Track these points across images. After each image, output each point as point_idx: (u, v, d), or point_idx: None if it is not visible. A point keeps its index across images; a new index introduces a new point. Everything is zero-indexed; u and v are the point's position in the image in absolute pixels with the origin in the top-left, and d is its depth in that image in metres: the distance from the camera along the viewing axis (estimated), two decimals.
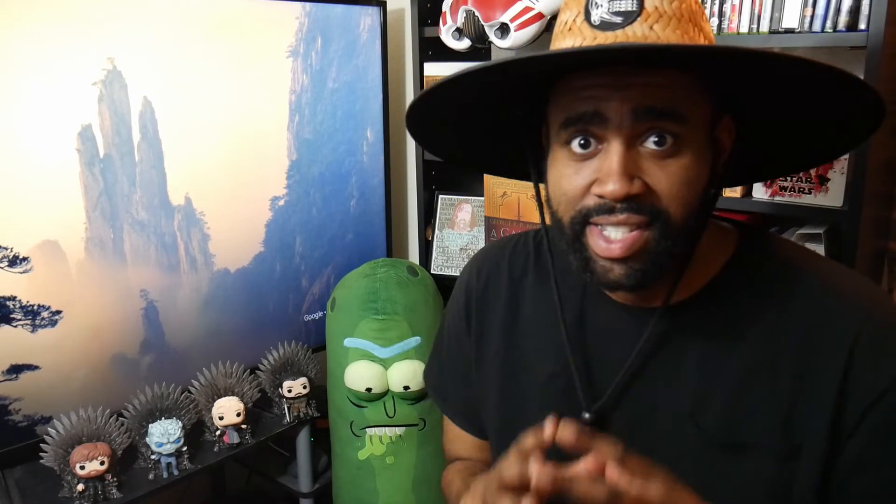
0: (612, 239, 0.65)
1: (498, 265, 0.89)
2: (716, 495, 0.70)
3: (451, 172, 1.97)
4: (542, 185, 0.76)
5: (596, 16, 0.64)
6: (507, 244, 0.91)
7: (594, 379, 0.77)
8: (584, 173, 0.66)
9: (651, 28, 0.63)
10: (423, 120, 0.77)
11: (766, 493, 0.70)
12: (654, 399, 0.74)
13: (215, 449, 1.54)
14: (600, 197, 0.65)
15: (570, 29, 0.67)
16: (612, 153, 0.64)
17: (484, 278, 0.89)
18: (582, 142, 0.66)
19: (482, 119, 0.78)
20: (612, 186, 0.63)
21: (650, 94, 0.63)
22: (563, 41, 0.68)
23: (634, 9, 0.63)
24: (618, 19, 0.63)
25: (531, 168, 0.78)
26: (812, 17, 1.30)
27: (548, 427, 0.60)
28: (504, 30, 1.58)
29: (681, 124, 0.64)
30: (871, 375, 0.66)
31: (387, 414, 1.63)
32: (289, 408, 1.66)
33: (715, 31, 1.41)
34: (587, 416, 0.74)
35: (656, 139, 0.63)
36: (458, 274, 1.99)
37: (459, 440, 0.99)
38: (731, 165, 0.72)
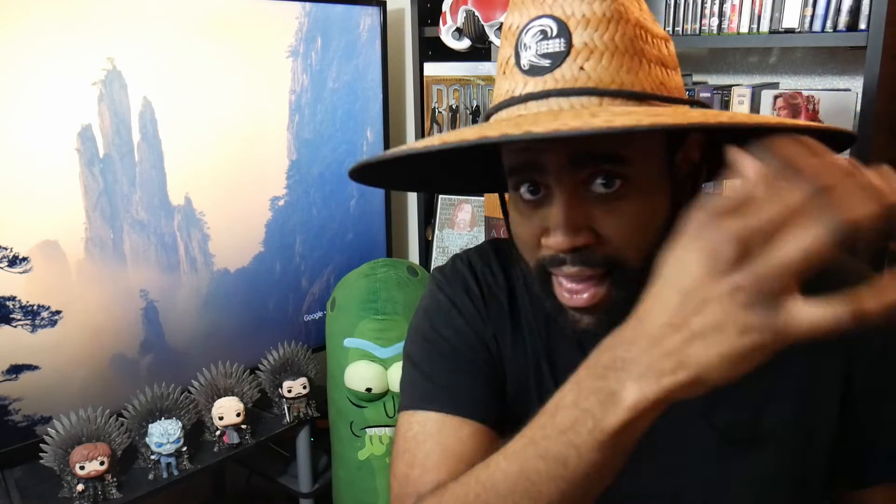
0: (574, 289, 0.63)
1: (491, 271, 0.82)
2: (733, 489, 0.71)
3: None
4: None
5: (525, 60, 0.61)
6: (487, 252, 0.84)
7: None
8: (534, 221, 0.64)
9: (581, 68, 0.59)
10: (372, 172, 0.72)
11: (781, 483, 0.70)
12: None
13: (215, 449, 1.54)
14: (549, 248, 0.62)
15: (504, 72, 0.63)
16: (556, 204, 0.61)
17: (483, 283, 0.82)
18: (531, 188, 0.63)
19: (438, 160, 0.74)
20: (556, 240, 0.60)
21: (586, 140, 0.58)
22: (500, 84, 0.65)
23: (562, 49, 0.59)
24: (546, 62, 0.60)
25: (500, 199, 0.77)
26: (812, 17, 1.30)
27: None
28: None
29: (625, 166, 0.60)
30: (874, 343, 0.68)
31: (387, 414, 1.63)
32: (289, 408, 1.66)
33: (715, 31, 1.41)
34: None
35: (603, 181, 0.60)
36: None
37: (455, 445, 0.77)
38: (706, 171, 0.70)
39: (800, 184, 0.38)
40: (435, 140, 0.58)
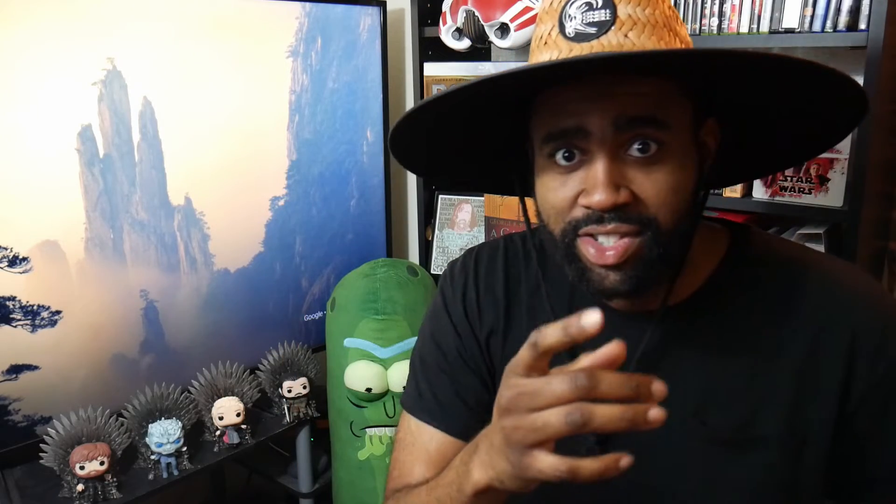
0: (604, 246, 0.65)
1: (492, 273, 0.86)
2: (725, 490, 0.72)
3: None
4: (529, 199, 0.76)
5: (570, 28, 0.65)
6: (497, 249, 0.88)
7: None
8: (571, 185, 0.66)
9: (626, 36, 0.63)
10: (404, 142, 0.76)
11: (773, 486, 0.71)
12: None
13: (215, 449, 1.54)
14: (588, 207, 0.65)
15: (545, 43, 0.67)
16: (598, 164, 0.64)
17: (482, 286, 0.86)
18: (566, 154, 0.66)
19: (465, 137, 0.78)
20: (599, 197, 0.63)
21: (630, 103, 0.63)
22: (539, 55, 0.68)
23: (608, 18, 0.64)
24: (592, 30, 0.64)
25: (516, 183, 0.78)
26: (812, 17, 1.30)
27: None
28: (504, 30, 1.58)
29: (663, 130, 0.64)
30: (874, 360, 0.68)
31: (386, 414, 1.63)
32: (289, 408, 1.66)
33: (715, 32, 1.41)
34: (591, 437, 0.73)
35: (640, 146, 0.64)
36: None
37: (439, 455, 0.86)
38: (719, 166, 0.72)
39: (570, 380, 0.49)
40: (493, 73, 0.62)
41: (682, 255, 0.70)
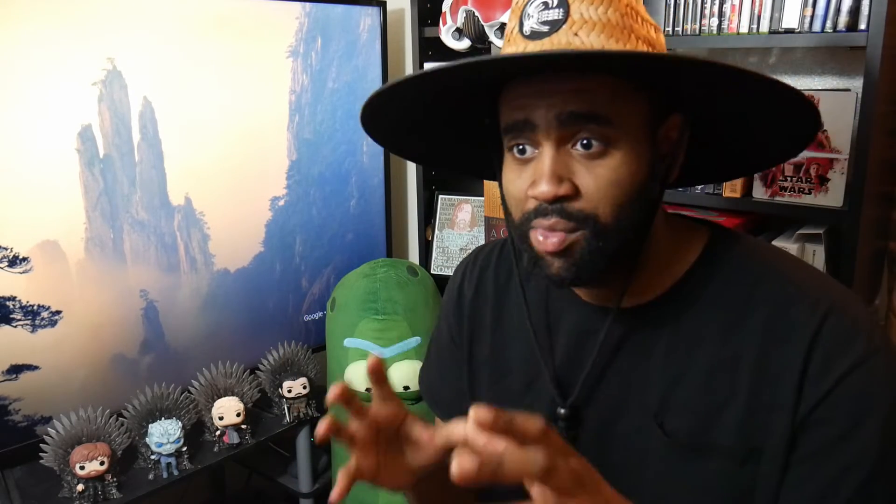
0: (548, 234, 0.69)
1: (485, 270, 0.91)
2: (680, 495, 0.71)
3: (451, 173, 1.97)
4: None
5: (527, 26, 0.68)
6: (494, 248, 0.93)
7: (565, 379, 0.79)
8: (524, 177, 0.69)
9: (576, 35, 0.65)
10: (391, 123, 0.80)
11: (728, 494, 0.70)
12: (622, 399, 0.75)
13: (215, 449, 1.54)
14: (535, 199, 0.68)
15: (508, 40, 0.70)
16: (544, 157, 0.67)
17: (475, 283, 0.91)
18: (520, 148, 0.69)
19: (452, 125, 0.82)
20: (543, 188, 0.66)
21: (572, 100, 0.65)
22: (504, 51, 0.70)
23: (560, 17, 0.66)
24: (545, 28, 0.66)
25: (497, 171, 0.80)
26: (812, 17, 1.30)
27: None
28: (504, 30, 1.58)
29: (606, 126, 0.66)
30: (824, 372, 0.66)
31: None
32: (289, 408, 1.67)
33: (715, 32, 1.41)
34: (562, 411, 0.76)
35: (584, 142, 0.66)
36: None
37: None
38: (684, 163, 0.73)
39: None
40: (435, 65, 0.67)
41: (634, 249, 0.71)
